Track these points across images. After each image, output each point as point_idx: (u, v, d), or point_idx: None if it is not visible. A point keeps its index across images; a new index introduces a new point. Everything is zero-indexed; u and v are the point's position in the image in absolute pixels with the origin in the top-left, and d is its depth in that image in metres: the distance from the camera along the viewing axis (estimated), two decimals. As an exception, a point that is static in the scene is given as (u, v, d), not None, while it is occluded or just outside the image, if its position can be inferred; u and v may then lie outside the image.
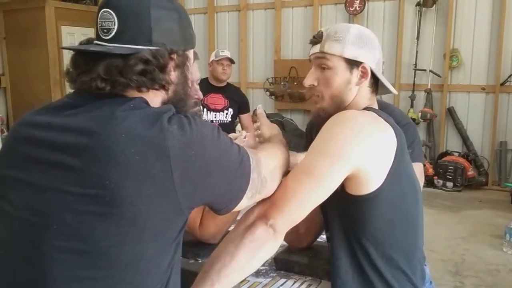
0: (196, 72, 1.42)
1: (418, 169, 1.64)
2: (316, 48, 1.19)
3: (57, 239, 0.78)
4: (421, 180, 1.64)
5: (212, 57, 3.60)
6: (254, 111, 5.37)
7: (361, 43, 1.16)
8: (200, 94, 1.43)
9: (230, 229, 1.33)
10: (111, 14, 0.86)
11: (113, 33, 0.86)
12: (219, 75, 3.56)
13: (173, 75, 0.91)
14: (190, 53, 0.97)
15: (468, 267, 3.24)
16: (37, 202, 0.81)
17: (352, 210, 1.10)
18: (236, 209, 0.95)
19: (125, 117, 0.80)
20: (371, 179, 1.06)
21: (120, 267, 0.80)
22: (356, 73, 1.17)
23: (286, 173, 1.10)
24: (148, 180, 0.78)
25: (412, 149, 1.64)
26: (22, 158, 0.85)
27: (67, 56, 6.43)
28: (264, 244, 1.01)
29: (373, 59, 1.18)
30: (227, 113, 3.64)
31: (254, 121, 5.10)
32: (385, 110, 1.22)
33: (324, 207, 1.21)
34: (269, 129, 1.22)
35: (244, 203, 0.95)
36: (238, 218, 1.16)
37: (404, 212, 1.14)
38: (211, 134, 0.87)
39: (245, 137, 1.24)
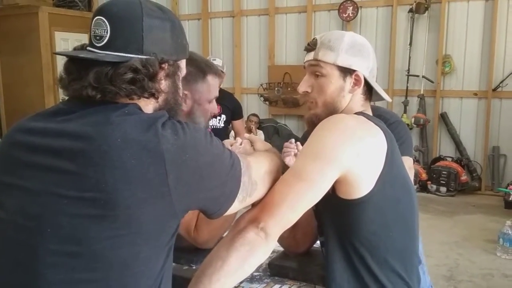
0: (215, 89, 1.45)
1: (407, 163, 1.65)
2: (311, 55, 1.21)
3: (51, 242, 0.79)
4: (411, 174, 1.65)
5: None
6: (249, 117, 5.37)
7: (355, 51, 1.17)
8: (215, 110, 1.45)
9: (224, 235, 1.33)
10: (104, 21, 0.87)
11: (105, 41, 0.87)
12: None
13: (164, 84, 0.93)
14: (182, 63, 0.99)
15: (462, 272, 3.25)
16: (31, 206, 0.82)
17: (345, 214, 1.11)
18: (228, 212, 0.96)
19: (120, 122, 0.81)
20: (362, 182, 1.06)
21: (114, 270, 0.80)
22: (350, 81, 1.18)
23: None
24: (143, 184, 0.79)
25: (400, 143, 1.65)
26: (16, 163, 0.86)
27: (60, 62, 6.41)
28: (255, 247, 1.00)
29: (367, 67, 1.19)
30: (220, 119, 3.65)
31: (248, 127, 5.11)
32: (373, 111, 1.23)
33: (318, 212, 1.21)
34: (264, 144, 1.23)
35: (236, 207, 0.97)
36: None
37: (399, 216, 1.14)
38: (204, 139, 0.89)
39: (241, 144, 1.25)
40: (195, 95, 1.42)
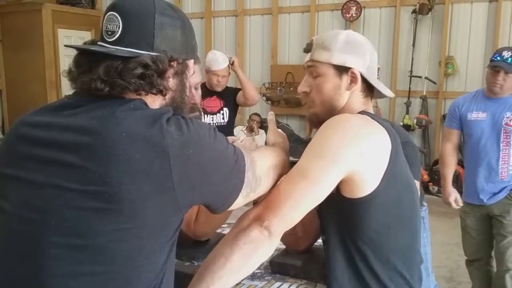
0: (196, 76, 1.45)
1: None
2: (309, 56, 1.24)
3: (55, 235, 0.80)
4: None
5: (208, 65, 3.53)
6: (251, 116, 5.29)
7: (349, 49, 1.18)
8: (196, 99, 1.45)
9: (226, 232, 1.33)
10: (116, 17, 0.89)
11: (116, 36, 0.89)
12: (214, 87, 3.53)
13: (172, 82, 0.94)
14: (191, 63, 1.00)
15: (462, 273, 3.24)
16: (36, 199, 0.82)
17: (348, 213, 1.11)
18: (232, 207, 0.97)
19: (126, 117, 0.82)
20: (366, 182, 1.07)
21: (118, 263, 0.81)
22: (346, 78, 1.19)
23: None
24: (148, 178, 0.80)
25: (408, 165, 1.65)
26: (21, 157, 0.86)
27: (63, 59, 6.42)
28: (259, 246, 1.01)
29: (363, 64, 1.19)
30: (223, 113, 3.63)
31: (251, 127, 5.03)
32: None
33: (320, 210, 1.21)
34: (275, 136, 1.24)
35: (240, 202, 0.97)
36: (232, 221, 1.16)
37: (401, 215, 1.14)
38: (208, 134, 0.89)
39: (241, 141, 1.26)
40: None
